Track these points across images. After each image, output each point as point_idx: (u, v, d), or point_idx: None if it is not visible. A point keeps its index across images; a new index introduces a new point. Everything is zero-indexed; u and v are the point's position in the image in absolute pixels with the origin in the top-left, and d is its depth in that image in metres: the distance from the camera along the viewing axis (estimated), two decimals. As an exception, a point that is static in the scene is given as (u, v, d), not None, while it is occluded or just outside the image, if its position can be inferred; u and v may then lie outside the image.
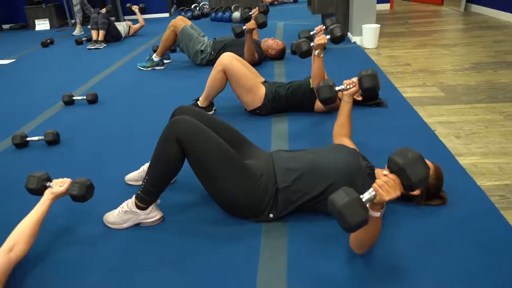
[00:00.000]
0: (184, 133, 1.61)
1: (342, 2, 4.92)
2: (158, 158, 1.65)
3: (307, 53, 2.63)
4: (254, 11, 4.05)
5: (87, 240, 1.70)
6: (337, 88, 2.07)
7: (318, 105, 2.86)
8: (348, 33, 5.00)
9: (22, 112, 3.32)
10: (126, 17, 8.08)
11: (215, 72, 2.83)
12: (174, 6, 9.18)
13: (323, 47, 2.56)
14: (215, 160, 1.63)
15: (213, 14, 7.28)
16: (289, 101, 2.88)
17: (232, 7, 6.98)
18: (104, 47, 5.71)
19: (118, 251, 1.63)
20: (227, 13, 7.05)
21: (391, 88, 3.28)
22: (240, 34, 3.74)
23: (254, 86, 2.82)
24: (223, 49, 4.18)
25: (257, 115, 2.89)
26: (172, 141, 1.62)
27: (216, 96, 2.94)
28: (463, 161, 2.13)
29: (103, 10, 6.02)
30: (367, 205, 1.23)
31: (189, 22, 4.36)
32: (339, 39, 2.68)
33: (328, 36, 2.64)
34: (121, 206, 1.75)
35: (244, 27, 3.72)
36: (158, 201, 1.77)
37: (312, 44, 2.61)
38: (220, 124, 1.88)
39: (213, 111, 3.02)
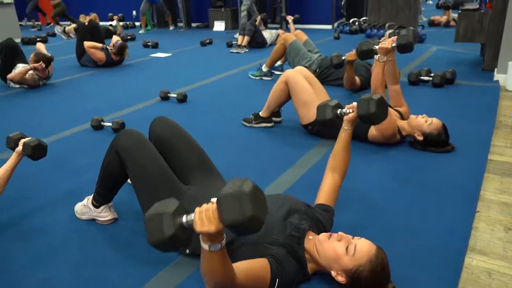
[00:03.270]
0: (123, 147, 1.67)
1: (494, 31, 4.07)
2: (103, 165, 1.75)
3: (364, 53, 2.59)
4: (384, 39, 3.91)
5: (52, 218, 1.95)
6: (338, 112, 1.74)
7: (372, 132, 2.58)
8: (495, 70, 4.11)
9: (130, 98, 3.88)
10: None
11: (277, 83, 2.91)
12: (343, 18, 9.08)
13: (386, 52, 2.50)
14: (144, 180, 1.64)
15: (369, 31, 6.95)
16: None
17: (387, 25, 6.52)
18: (245, 52, 6.11)
19: (49, 237, 1.82)
20: (381, 31, 6.63)
21: (483, 142, 2.60)
22: (338, 65, 3.51)
23: (311, 102, 2.75)
24: (328, 68, 4.01)
25: (308, 133, 2.84)
26: (113, 152, 1.70)
27: (277, 108, 3.00)
28: (477, 262, 1.58)
29: (258, 19, 6.46)
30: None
31: (304, 37, 4.31)
32: (404, 47, 2.47)
33: (394, 44, 2.49)
34: (86, 199, 1.92)
35: (343, 57, 3.49)
36: (111, 203, 1.88)
37: (376, 47, 2.55)
38: (187, 142, 1.85)
39: (272, 123, 3.04)
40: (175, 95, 3.73)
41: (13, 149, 1.92)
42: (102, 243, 1.76)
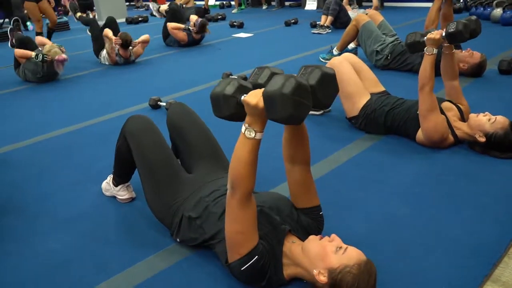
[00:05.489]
0: (129, 131, 1.72)
1: None
2: (115, 148, 1.83)
3: (412, 47, 2.38)
4: None
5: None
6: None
7: (419, 136, 2.31)
8: None
9: (196, 79, 3.99)
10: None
11: None
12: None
13: (435, 44, 2.21)
14: (144, 165, 1.68)
15: (473, 9, 6.14)
16: (387, 125, 2.45)
17: (494, 2, 5.68)
18: (327, 33, 5.85)
19: (72, 210, 1.96)
20: (488, 9, 5.81)
21: None
22: (411, 46, 2.98)
23: (355, 94, 2.55)
24: (401, 54, 3.65)
25: (352, 126, 2.63)
26: (122, 136, 1.77)
27: None
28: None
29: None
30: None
31: (380, 18, 3.98)
32: (452, 36, 2.20)
33: (444, 33, 2.23)
34: (109, 176, 2.03)
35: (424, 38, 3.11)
36: (128, 183, 1.96)
37: (424, 38, 2.28)
38: (199, 130, 1.84)
39: (321, 112, 2.90)
40: (236, 77, 3.73)
41: None
42: (112, 221, 1.86)
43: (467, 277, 1.39)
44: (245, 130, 1.22)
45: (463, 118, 2.34)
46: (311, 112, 2.90)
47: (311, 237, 1.34)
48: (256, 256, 1.29)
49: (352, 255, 1.23)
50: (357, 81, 2.56)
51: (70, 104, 3.54)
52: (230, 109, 1.27)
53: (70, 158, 2.52)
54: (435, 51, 2.19)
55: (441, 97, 2.48)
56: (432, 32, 2.22)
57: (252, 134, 1.21)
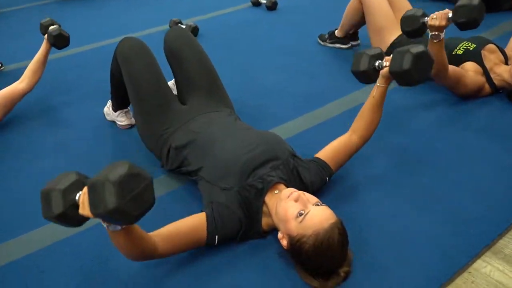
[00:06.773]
0: (120, 53, 1.63)
1: None
2: (110, 69, 1.74)
3: (413, 34, 1.77)
4: None
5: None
6: (377, 63, 1.38)
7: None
8: None
9: (223, 1, 3.76)
10: None
11: (351, 0, 2.47)
12: None
13: (438, 30, 1.69)
14: (133, 89, 1.60)
15: None
16: None
17: None
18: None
19: (73, 130, 1.94)
20: None
21: None
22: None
23: (384, 28, 2.28)
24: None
25: None
26: (114, 57, 1.67)
27: (352, 29, 2.61)
28: (491, 271, 1.21)
29: None
30: None
31: None
32: (464, 25, 1.67)
33: (450, 14, 1.67)
34: (109, 101, 1.98)
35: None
36: (127, 109, 1.90)
37: (426, 19, 1.71)
38: (198, 59, 1.70)
39: (349, 45, 2.66)
40: (265, 1, 3.47)
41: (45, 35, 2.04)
42: (109, 146, 1.85)
43: (464, 245, 1.26)
44: (108, 227, 0.97)
45: (507, 62, 2.04)
46: (337, 45, 2.67)
47: (283, 192, 1.22)
48: (216, 236, 1.22)
49: (310, 224, 1.11)
50: (388, 13, 2.27)
51: (96, 22, 3.45)
52: (61, 208, 0.94)
53: (87, 77, 2.47)
54: (443, 35, 1.70)
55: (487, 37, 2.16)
56: (434, 16, 1.67)
57: (118, 227, 0.97)
